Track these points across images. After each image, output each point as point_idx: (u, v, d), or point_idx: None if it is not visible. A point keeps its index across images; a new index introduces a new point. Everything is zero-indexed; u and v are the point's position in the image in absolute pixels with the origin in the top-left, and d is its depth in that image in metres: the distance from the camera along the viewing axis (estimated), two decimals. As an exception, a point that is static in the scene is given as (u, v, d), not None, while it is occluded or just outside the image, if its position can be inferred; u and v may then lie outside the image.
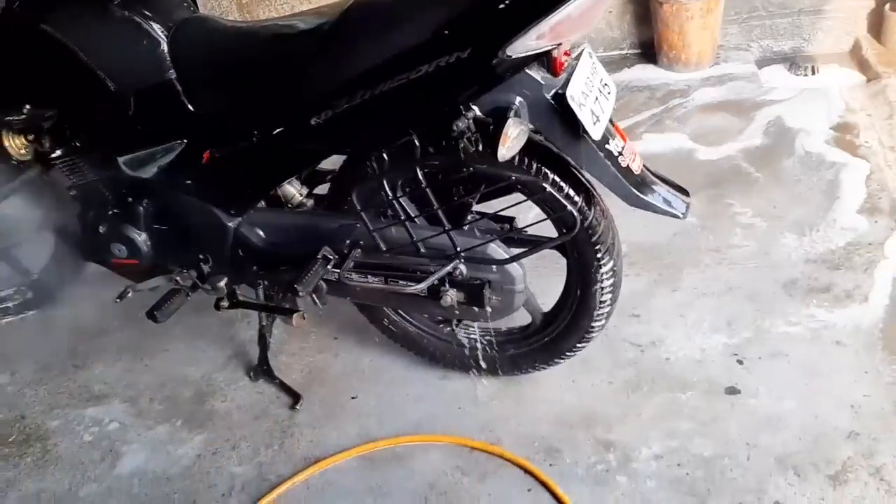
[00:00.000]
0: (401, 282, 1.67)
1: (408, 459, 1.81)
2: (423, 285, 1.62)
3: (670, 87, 3.29)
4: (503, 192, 1.65)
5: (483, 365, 1.93)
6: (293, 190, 1.83)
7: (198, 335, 2.29)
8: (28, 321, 2.45)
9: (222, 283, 1.86)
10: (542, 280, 1.89)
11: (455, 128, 1.45)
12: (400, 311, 1.96)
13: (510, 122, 1.39)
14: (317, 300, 1.98)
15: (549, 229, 1.65)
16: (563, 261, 1.75)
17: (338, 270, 1.69)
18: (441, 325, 1.98)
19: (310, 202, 1.87)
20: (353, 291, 1.78)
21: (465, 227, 1.65)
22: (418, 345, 1.99)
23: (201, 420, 2.01)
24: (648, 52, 3.58)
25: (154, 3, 1.64)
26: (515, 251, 1.67)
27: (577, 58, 1.49)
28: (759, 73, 3.35)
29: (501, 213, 1.72)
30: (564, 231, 1.60)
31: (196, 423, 2.00)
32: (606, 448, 1.77)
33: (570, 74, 1.44)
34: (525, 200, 1.60)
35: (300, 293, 1.63)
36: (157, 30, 1.60)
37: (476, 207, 1.70)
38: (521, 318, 1.87)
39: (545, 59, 1.43)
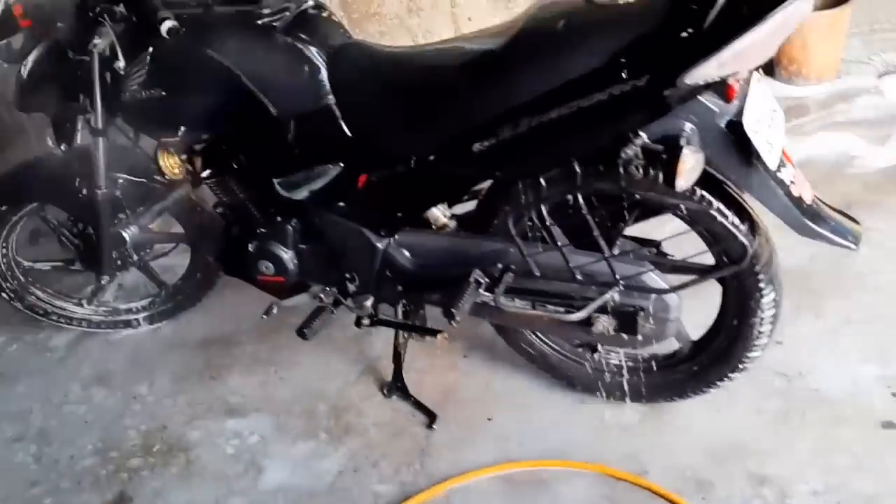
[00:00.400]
0: (556, 308, 1.65)
1: (552, 485, 1.79)
2: (583, 313, 1.60)
3: (794, 102, 3.18)
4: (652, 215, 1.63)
5: (625, 391, 1.89)
6: (438, 212, 1.84)
7: (329, 349, 2.32)
8: (162, 332, 2.53)
9: (368, 303, 1.89)
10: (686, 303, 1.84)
11: (623, 155, 1.43)
12: (540, 334, 1.94)
13: (686, 151, 1.36)
14: (453, 319, 2.00)
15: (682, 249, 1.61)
16: (706, 284, 1.69)
17: (489, 294, 1.68)
18: (581, 350, 1.95)
19: (453, 223, 1.87)
20: (501, 314, 1.77)
21: (619, 253, 1.62)
22: (557, 368, 1.97)
23: (339, 436, 2.03)
24: (765, 65, 3.47)
25: (314, 30, 1.67)
26: (669, 277, 1.64)
27: (748, 82, 1.45)
28: (884, 87, 3.21)
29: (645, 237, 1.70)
30: (731, 261, 1.55)
31: (335, 438, 2.03)
32: (761, 482, 1.72)
33: (743, 101, 1.40)
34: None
35: (456, 315, 1.63)
36: (317, 55, 1.63)
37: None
38: (666, 345, 1.83)
39: (718, 85, 1.40)
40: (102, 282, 2.30)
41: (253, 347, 2.40)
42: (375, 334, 2.33)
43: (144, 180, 2.12)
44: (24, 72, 1.82)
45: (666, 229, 1.67)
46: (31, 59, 1.81)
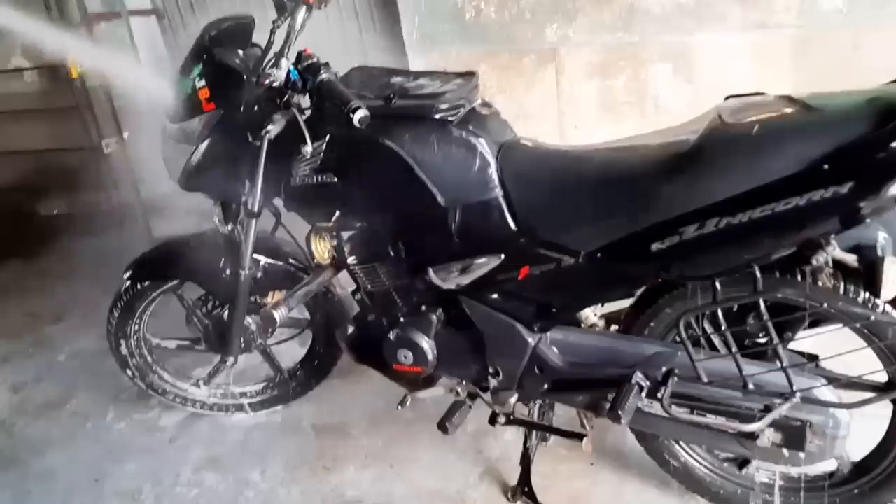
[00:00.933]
0: (725, 418, 1.59)
1: None
2: (761, 424, 1.54)
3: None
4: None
5: (775, 512, 1.80)
6: (589, 310, 1.82)
7: (446, 448, 2.26)
8: (273, 418, 2.50)
9: (512, 399, 1.85)
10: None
11: (815, 262, 1.41)
12: (686, 446, 1.87)
13: (889, 261, 1.34)
14: (587, 422, 1.95)
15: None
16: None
17: (652, 399, 1.63)
18: (727, 465, 1.87)
19: (602, 323, 1.85)
20: (657, 421, 1.71)
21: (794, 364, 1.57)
22: (700, 484, 1.88)
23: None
24: None
25: (486, 125, 1.71)
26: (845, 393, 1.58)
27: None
28: None
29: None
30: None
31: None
32: None
33: (938, 216, 1.38)
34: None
35: (623, 419, 1.59)
36: (488, 149, 1.66)
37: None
38: (823, 465, 1.74)
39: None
40: (228, 363, 2.29)
41: (368, 440, 2.36)
42: (494, 435, 2.28)
43: (282, 263, 2.16)
44: (198, 153, 1.89)
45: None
46: (206, 141, 1.87)
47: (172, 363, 2.62)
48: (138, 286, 2.21)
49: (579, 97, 3.37)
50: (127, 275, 2.20)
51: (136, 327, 2.32)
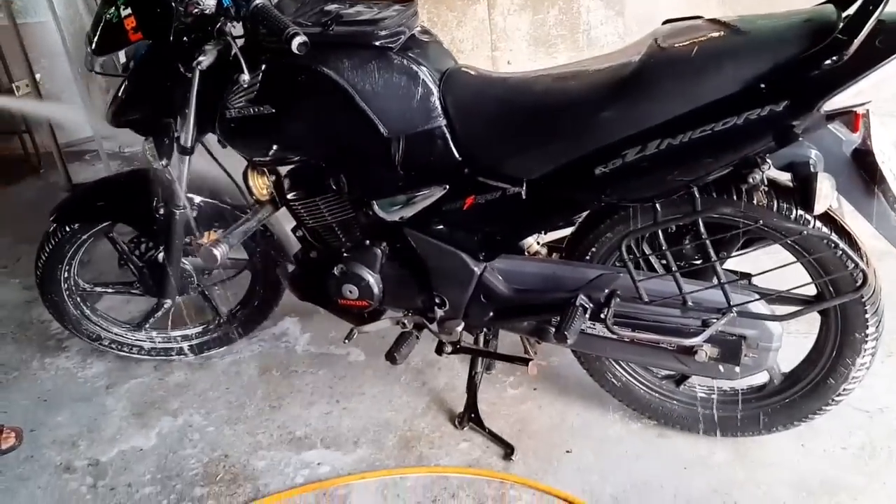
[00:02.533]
0: (666, 335, 1.65)
1: (646, 518, 1.77)
2: (699, 339, 1.61)
3: None
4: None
5: (711, 425, 1.89)
6: (531, 238, 1.85)
7: (390, 380, 2.29)
8: (215, 360, 2.47)
9: (459, 328, 1.87)
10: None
11: (751, 180, 1.46)
12: (626, 365, 1.93)
13: (822, 176, 1.39)
14: (529, 348, 1.99)
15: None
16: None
17: (595, 320, 1.68)
18: (665, 382, 1.95)
19: (544, 250, 1.88)
20: (598, 342, 1.76)
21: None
22: (640, 401, 1.96)
23: (412, 466, 1.98)
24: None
25: (427, 53, 1.68)
26: (776, 307, 1.66)
27: (868, 117, 1.49)
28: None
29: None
30: (843, 290, 1.57)
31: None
32: (857, 516, 1.71)
33: (867, 130, 1.44)
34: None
35: (568, 340, 1.63)
36: (431, 78, 1.64)
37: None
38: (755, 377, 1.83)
39: (844, 115, 1.43)
40: (165, 306, 2.25)
41: (312, 378, 2.35)
42: (439, 365, 2.31)
43: (217, 202, 2.11)
44: (125, 87, 1.81)
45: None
46: (134, 74, 1.79)
47: (106, 309, 2.56)
48: (66, 229, 2.12)
49: (512, 31, 3.35)
50: (53, 217, 2.10)
51: (67, 273, 2.23)
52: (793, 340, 1.77)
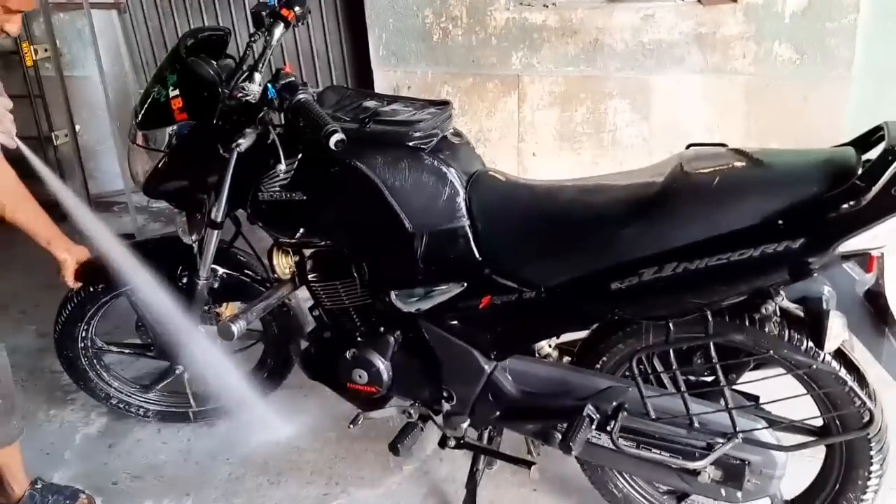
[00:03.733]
0: (671, 454, 1.65)
1: None
2: (704, 462, 1.61)
3: None
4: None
5: (712, 545, 1.86)
6: (544, 341, 1.87)
7: (392, 466, 2.28)
8: (217, 430, 2.47)
9: (464, 424, 1.87)
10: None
11: (764, 310, 1.48)
12: (628, 477, 1.92)
13: (834, 314, 1.41)
14: (533, 449, 1.99)
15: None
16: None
17: (601, 431, 1.69)
18: (667, 497, 1.93)
19: (555, 353, 1.89)
20: (603, 453, 1.76)
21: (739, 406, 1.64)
22: (640, 513, 1.94)
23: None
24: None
25: (457, 155, 1.74)
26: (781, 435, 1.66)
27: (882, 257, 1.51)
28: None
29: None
30: (851, 427, 1.57)
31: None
32: None
33: (881, 272, 1.47)
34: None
35: (573, 451, 1.63)
36: (459, 179, 1.69)
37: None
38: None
39: (859, 256, 1.47)
40: (177, 371, 2.28)
41: (313, 456, 2.35)
42: (440, 456, 2.30)
43: (240, 276, 2.15)
44: (165, 161, 1.88)
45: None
46: (174, 150, 1.86)
47: (116, 368, 2.58)
48: (90, 289, 2.16)
49: (539, 125, 3.45)
50: (79, 276, 2.15)
51: (84, 332, 2.27)
52: (796, 461, 1.76)
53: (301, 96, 1.60)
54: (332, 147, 1.52)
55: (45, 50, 3.85)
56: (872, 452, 1.61)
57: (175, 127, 1.83)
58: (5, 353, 1.90)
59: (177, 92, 1.77)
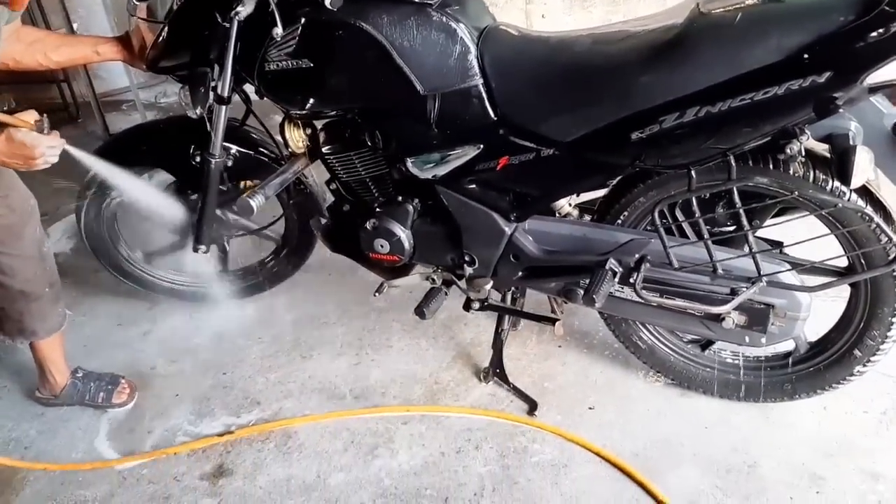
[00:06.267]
0: (694, 301, 1.67)
1: (662, 475, 1.80)
2: (728, 307, 1.62)
3: None
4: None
5: (734, 390, 1.91)
6: (564, 200, 1.86)
7: (418, 334, 2.33)
8: (247, 311, 2.52)
9: (487, 286, 1.89)
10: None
11: (788, 151, 1.45)
12: (652, 328, 1.95)
13: (860, 149, 1.38)
14: (556, 307, 2.02)
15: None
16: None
17: (624, 284, 1.70)
18: (690, 346, 1.97)
19: (576, 212, 1.89)
20: (626, 306, 1.78)
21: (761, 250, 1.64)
22: (664, 363, 1.99)
23: (438, 418, 2.04)
24: None
25: (466, 9, 1.67)
26: (805, 277, 1.66)
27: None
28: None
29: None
30: (875, 264, 1.57)
31: (433, 420, 2.03)
32: (875, 479, 1.74)
33: (910, 106, 1.43)
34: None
35: (597, 304, 1.65)
36: (469, 35, 1.63)
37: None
38: (781, 345, 1.85)
39: (887, 89, 1.42)
40: (199, 251, 2.29)
41: (341, 329, 2.41)
42: (465, 321, 2.35)
43: (253, 153, 2.13)
44: (165, 32, 1.82)
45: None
46: (174, 20, 1.80)
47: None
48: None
49: (547, -17, 3.30)
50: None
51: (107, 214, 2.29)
52: (820, 304, 1.78)
53: (297, -44, 1.53)
54: (329, 6, 1.46)
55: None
56: (899, 291, 1.62)
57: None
58: (50, 245, 1.95)
59: (172, -40, 1.69)
